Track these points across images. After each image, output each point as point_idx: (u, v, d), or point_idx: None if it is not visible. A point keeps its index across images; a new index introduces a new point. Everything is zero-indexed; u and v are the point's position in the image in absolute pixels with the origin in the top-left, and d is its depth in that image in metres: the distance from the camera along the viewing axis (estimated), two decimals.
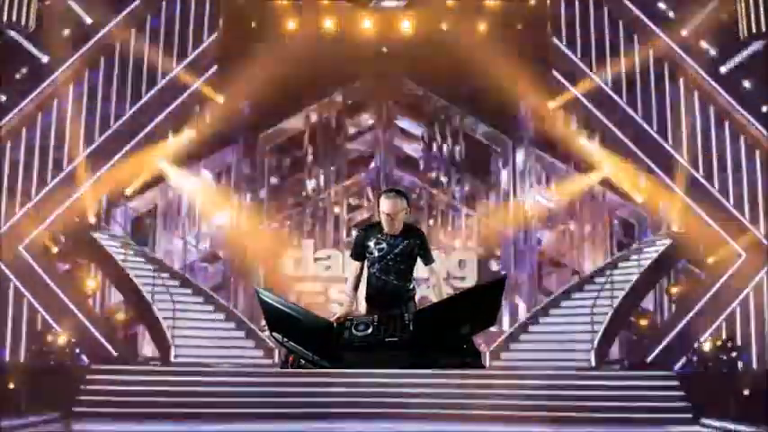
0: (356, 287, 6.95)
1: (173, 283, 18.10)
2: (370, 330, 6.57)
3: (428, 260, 6.92)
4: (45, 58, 18.29)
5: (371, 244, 6.84)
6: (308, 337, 6.67)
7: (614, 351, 18.43)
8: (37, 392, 14.98)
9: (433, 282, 6.99)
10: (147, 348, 18.67)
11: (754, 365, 17.24)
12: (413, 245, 6.84)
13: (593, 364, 16.98)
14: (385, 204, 6.75)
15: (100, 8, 18.65)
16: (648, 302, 18.88)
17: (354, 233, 7.38)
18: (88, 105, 18.42)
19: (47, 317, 17.23)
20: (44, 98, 18.21)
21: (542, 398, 14.92)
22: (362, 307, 6.99)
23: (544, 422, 14.07)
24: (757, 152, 18.23)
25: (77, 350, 16.72)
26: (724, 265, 17.77)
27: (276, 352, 16.71)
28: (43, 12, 18.02)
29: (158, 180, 19.43)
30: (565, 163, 19.98)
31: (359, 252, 6.90)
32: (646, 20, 18.78)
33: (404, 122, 20.97)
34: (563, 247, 20.41)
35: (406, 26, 19.25)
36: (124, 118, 18.34)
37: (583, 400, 15.09)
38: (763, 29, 17.57)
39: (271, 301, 6.72)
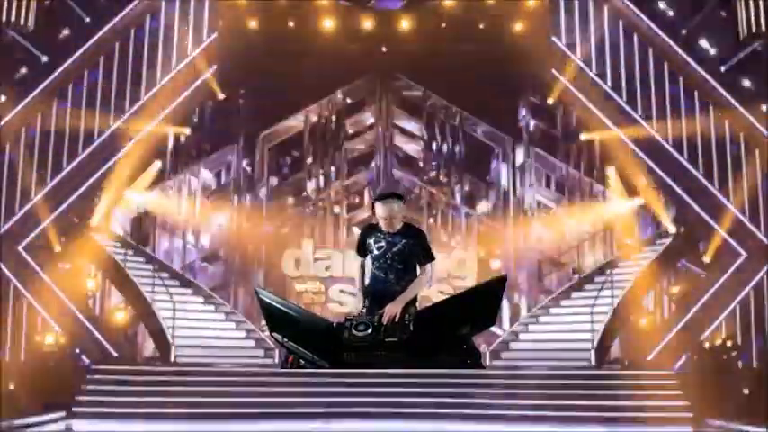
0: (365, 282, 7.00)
1: (173, 283, 18.10)
2: (369, 330, 6.58)
3: (423, 259, 6.90)
4: (45, 58, 18.30)
5: (372, 242, 6.87)
6: (307, 337, 6.69)
7: (614, 351, 18.43)
8: (37, 392, 14.97)
9: (417, 279, 6.88)
10: (148, 348, 18.67)
11: (754, 365, 17.24)
12: (411, 244, 6.85)
13: (593, 363, 16.97)
14: (380, 210, 6.78)
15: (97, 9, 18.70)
16: (648, 302, 18.87)
17: (357, 231, 7.38)
18: (88, 104, 18.40)
19: (47, 317, 17.22)
20: (44, 97, 18.19)
21: (542, 398, 14.90)
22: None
23: (544, 422, 14.06)
24: (757, 152, 18.20)
25: (77, 350, 16.72)
26: (724, 265, 17.75)
27: (276, 352, 16.70)
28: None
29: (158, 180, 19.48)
30: (565, 162, 20.01)
31: (362, 250, 6.95)
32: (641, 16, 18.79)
33: (404, 122, 20.97)
34: (563, 247, 20.40)
35: (406, 26, 19.25)
36: (124, 117, 18.32)
37: (583, 399, 15.07)
38: (763, 29, 17.59)
39: (271, 301, 6.74)
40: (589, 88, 18.74)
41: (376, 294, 6.87)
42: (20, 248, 17.46)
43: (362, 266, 7.06)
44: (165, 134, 19.25)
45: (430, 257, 6.96)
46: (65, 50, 18.38)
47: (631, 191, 19.00)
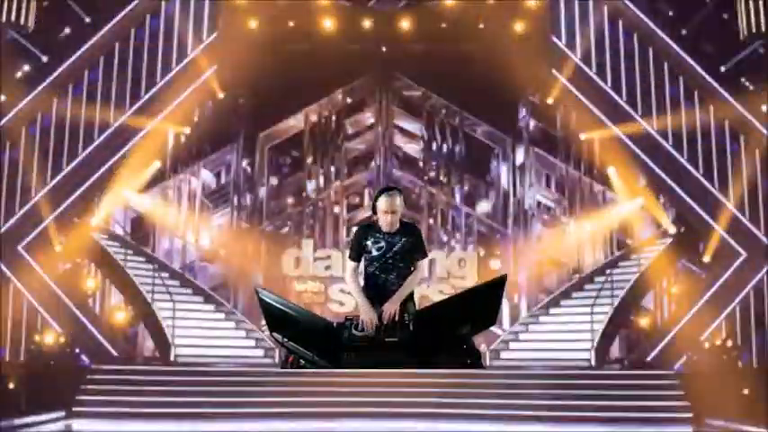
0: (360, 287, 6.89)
1: (173, 283, 18.11)
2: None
3: (417, 256, 6.86)
4: (45, 58, 18.30)
5: (369, 243, 6.82)
6: (307, 337, 6.67)
7: (614, 351, 18.43)
8: (37, 392, 14.98)
9: (411, 277, 6.85)
10: (148, 348, 18.67)
11: (754, 365, 17.23)
12: (411, 241, 6.83)
13: (593, 363, 16.98)
14: (384, 203, 6.74)
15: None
16: (648, 302, 18.87)
17: (353, 231, 7.27)
18: (88, 104, 18.39)
19: (47, 317, 17.21)
20: (44, 96, 18.18)
21: (542, 397, 14.92)
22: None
23: (544, 422, 14.08)
24: (757, 151, 18.20)
25: (77, 350, 16.72)
26: (724, 265, 17.75)
27: (276, 352, 16.70)
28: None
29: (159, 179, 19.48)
30: (565, 162, 20.01)
31: (358, 252, 6.89)
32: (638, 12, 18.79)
33: (404, 122, 20.97)
34: (563, 247, 20.39)
35: (406, 26, 19.25)
36: (123, 118, 18.31)
37: (583, 399, 15.09)
38: (764, 29, 17.60)
39: (271, 301, 6.72)
40: (589, 88, 18.73)
41: (379, 296, 6.81)
42: (20, 248, 17.46)
43: (356, 271, 6.95)
44: (165, 134, 19.22)
45: (424, 254, 6.93)
46: (65, 50, 18.37)
47: (631, 191, 18.99)
